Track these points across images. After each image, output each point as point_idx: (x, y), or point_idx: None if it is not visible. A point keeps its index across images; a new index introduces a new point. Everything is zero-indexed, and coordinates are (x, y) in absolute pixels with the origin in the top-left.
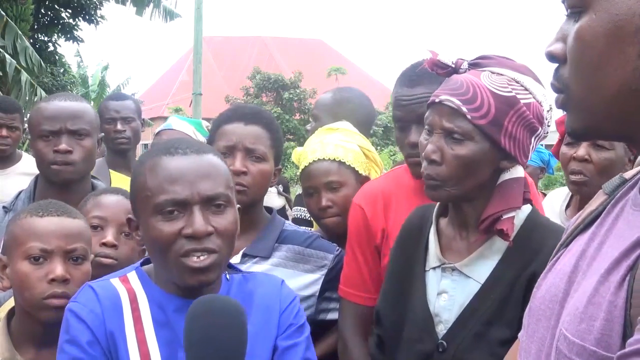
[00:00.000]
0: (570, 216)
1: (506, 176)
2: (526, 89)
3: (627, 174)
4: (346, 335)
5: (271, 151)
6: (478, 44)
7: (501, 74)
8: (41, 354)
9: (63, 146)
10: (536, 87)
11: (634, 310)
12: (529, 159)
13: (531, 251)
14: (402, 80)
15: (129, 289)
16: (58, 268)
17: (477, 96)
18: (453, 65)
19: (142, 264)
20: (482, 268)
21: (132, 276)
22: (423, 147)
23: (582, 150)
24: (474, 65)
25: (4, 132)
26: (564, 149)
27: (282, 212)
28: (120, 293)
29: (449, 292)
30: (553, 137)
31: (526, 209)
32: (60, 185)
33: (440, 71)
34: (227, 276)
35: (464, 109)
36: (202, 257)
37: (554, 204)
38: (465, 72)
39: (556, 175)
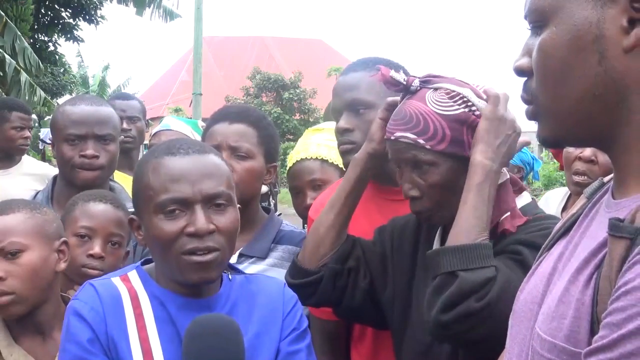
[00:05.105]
0: None
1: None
2: (469, 100)
3: (606, 178)
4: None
5: (259, 148)
6: (477, 43)
7: (445, 89)
8: (38, 343)
9: (90, 151)
10: (477, 99)
11: (600, 307)
12: None
13: None
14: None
15: (130, 287)
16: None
17: (428, 125)
18: (404, 83)
19: (143, 264)
20: None
21: (133, 275)
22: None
23: (589, 150)
24: (425, 82)
25: (27, 132)
26: (568, 148)
27: (265, 197)
28: (121, 291)
29: None
30: None
31: (524, 200)
32: (81, 188)
33: (393, 88)
34: (230, 276)
35: (421, 141)
36: (204, 255)
37: (551, 204)
38: (416, 90)
39: (556, 175)
